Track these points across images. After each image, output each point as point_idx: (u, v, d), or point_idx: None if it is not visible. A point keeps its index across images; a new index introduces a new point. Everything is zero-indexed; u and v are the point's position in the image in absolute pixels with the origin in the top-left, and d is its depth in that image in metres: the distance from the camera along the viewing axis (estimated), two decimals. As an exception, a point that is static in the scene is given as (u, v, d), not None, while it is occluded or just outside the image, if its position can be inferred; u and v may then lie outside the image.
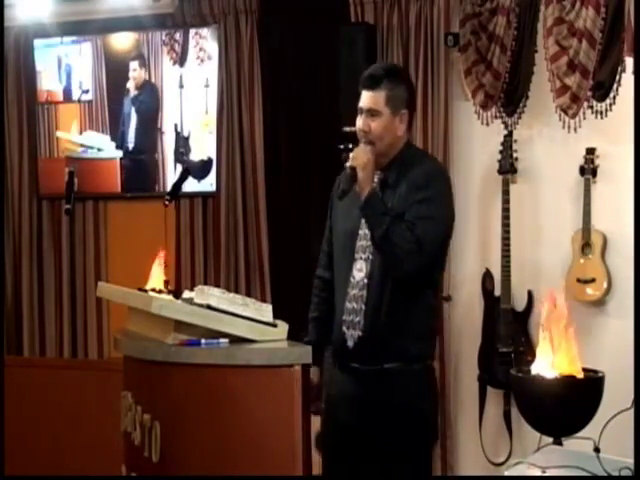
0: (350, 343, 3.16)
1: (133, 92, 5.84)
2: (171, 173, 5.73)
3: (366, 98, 3.17)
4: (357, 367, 3.17)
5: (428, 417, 3.23)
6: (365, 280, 3.14)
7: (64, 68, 6.00)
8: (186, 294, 3.29)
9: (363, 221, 3.15)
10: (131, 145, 5.85)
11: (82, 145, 5.96)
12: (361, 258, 3.17)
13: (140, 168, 5.88)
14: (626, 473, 2.33)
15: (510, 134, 4.88)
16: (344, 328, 3.18)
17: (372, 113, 3.14)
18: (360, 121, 3.18)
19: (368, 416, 3.14)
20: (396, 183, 3.15)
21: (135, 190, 5.88)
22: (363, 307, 3.14)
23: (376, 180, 3.14)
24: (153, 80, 5.81)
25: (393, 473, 3.12)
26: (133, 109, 5.84)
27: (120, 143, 5.89)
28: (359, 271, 3.16)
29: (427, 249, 3.05)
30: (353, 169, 3.07)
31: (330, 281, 3.34)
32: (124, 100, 5.87)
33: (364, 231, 3.15)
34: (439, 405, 3.79)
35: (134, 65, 5.82)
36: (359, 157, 3.09)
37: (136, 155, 5.85)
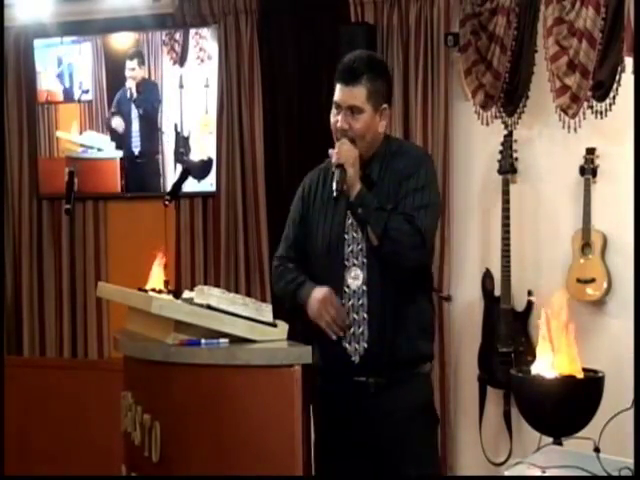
0: (355, 358, 2.98)
1: (134, 93, 5.80)
2: (171, 173, 5.73)
3: (345, 94, 2.95)
4: (364, 381, 2.98)
5: (434, 409, 3.18)
6: (364, 287, 2.96)
7: (64, 68, 6.00)
8: (186, 294, 3.28)
9: (349, 224, 2.99)
10: (137, 149, 5.82)
11: (82, 145, 5.95)
12: (354, 265, 2.97)
13: (143, 170, 5.85)
14: (626, 473, 2.34)
15: (510, 134, 4.88)
16: (344, 344, 2.98)
17: (353, 110, 2.94)
18: (338, 118, 2.97)
19: (383, 428, 2.98)
20: (380, 178, 2.99)
21: (137, 191, 5.87)
22: (365, 316, 2.96)
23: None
24: (153, 79, 5.79)
25: (408, 469, 2.99)
26: (135, 111, 5.81)
27: (120, 143, 5.86)
28: (354, 279, 2.97)
29: (428, 239, 2.95)
30: (341, 166, 2.87)
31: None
32: (122, 99, 5.83)
33: (352, 235, 2.98)
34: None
35: (132, 64, 5.78)
36: (345, 153, 2.90)
37: (142, 159, 5.82)
